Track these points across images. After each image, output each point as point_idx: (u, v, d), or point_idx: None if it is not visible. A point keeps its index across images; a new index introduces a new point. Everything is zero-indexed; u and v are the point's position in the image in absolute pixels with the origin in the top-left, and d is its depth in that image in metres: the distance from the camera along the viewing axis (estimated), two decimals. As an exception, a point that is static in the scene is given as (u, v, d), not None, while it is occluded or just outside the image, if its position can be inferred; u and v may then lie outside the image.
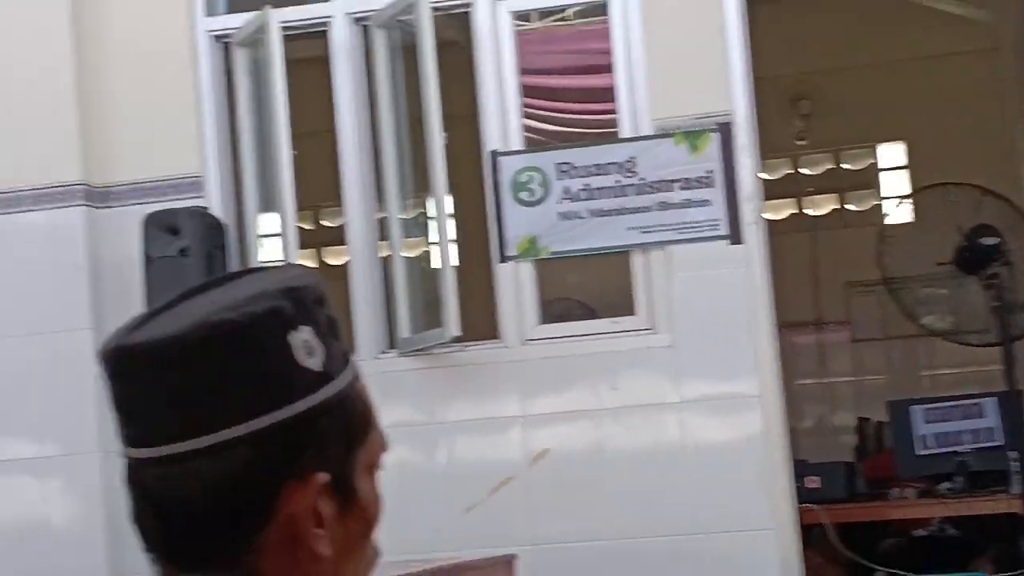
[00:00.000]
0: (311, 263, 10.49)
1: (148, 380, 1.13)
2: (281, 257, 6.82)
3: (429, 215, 6.90)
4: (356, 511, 1.20)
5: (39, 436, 6.68)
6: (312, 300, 1.19)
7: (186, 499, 1.13)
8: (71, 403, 6.61)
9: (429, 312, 6.68)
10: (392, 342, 6.68)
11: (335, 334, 1.20)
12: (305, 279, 1.20)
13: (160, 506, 1.16)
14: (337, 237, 9.68)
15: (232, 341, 1.12)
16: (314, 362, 1.16)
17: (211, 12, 6.98)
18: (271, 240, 6.93)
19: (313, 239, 10.75)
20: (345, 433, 1.19)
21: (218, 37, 6.96)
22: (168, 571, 1.18)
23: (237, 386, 1.11)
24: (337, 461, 1.17)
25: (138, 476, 1.17)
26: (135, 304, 6.44)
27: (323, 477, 1.15)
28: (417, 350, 6.59)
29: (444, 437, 6.48)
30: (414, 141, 6.71)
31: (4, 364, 6.69)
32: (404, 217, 6.82)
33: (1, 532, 6.64)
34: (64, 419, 6.64)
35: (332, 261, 10.79)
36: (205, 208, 6.71)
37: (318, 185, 7.70)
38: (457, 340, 6.45)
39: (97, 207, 6.79)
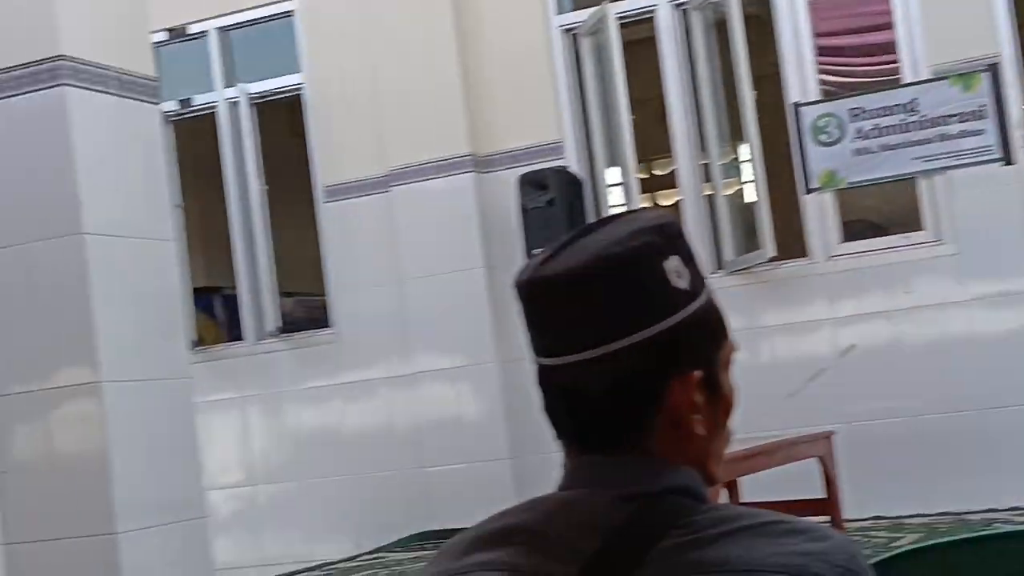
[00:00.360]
0: (648, 204, 10.46)
1: (556, 303, 1.15)
2: (623, 202, 6.84)
3: (742, 159, 6.79)
4: (720, 401, 1.19)
5: (451, 351, 6.92)
6: (675, 234, 1.18)
7: (591, 395, 1.14)
8: (473, 325, 6.83)
9: (747, 238, 6.59)
10: (719, 264, 6.62)
11: (695, 260, 1.19)
12: (668, 218, 1.19)
13: (569, 401, 1.17)
14: (666, 183, 9.65)
15: (620, 270, 1.12)
16: (683, 283, 1.15)
17: (561, 10, 7.03)
18: (615, 189, 6.95)
19: (647, 185, 10.72)
20: (710, 338, 1.18)
21: (567, 30, 7.00)
22: (574, 451, 1.19)
23: (627, 305, 1.12)
24: (706, 361, 1.16)
25: (550, 378, 1.18)
26: (515, 246, 6.59)
27: (698, 374, 1.14)
28: (740, 269, 6.51)
29: (766, 339, 6.39)
30: (728, 99, 6.62)
31: (420, 299, 6.95)
32: (722, 162, 6.73)
33: (426, 425, 6.93)
34: (468, 338, 6.86)
35: (663, 202, 10.75)
36: (565, 167, 6.78)
37: (650, 142, 7.68)
38: (772, 259, 6.35)
39: (482, 172, 6.96)
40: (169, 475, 4.62)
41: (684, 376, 1.14)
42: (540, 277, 1.16)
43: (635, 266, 1.14)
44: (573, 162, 6.85)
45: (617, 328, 1.13)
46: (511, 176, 6.73)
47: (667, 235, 1.17)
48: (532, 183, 6.57)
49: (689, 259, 1.18)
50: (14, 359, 4.53)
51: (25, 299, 4.49)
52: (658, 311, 1.13)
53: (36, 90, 4.40)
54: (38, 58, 4.40)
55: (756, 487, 4.71)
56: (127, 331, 4.53)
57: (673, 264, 1.16)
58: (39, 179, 4.45)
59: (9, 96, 4.44)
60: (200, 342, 7.57)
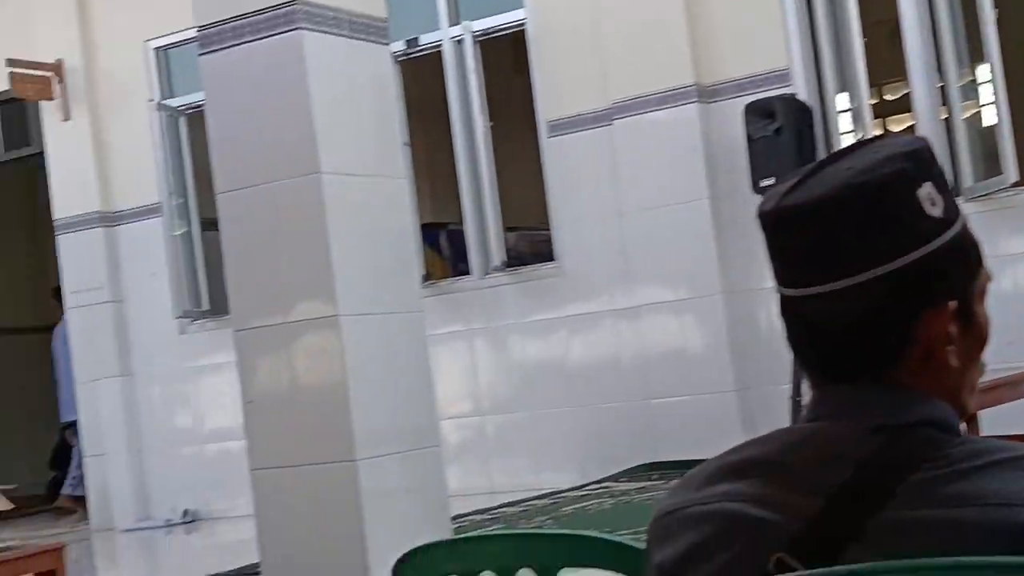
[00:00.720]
0: (878, 131, 10.12)
1: (802, 233, 1.13)
2: (853, 128, 6.64)
3: (980, 80, 6.48)
4: (974, 332, 1.16)
5: (675, 284, 6.90)
6: (928, 160, 1.15)
7: (838, 327, 1.13)
8: (698, 257, 6.78)
9: (987, 163, 6.30)
10: (957, 190, 6.35)
11: (946, 186, 1.16)
12: (919, 143, 1.16)
13: (814, 332, 1.15)
14: (898, 107, 9.29)
15: (871, 199, 1.10)
16: (936, 211, 1.12)
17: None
18: (845, 115, 6.75)
19: (878, 111, 10.36)
20: (964, 267, 1.15)
21: (793, -49, 6.80)
22: (819, 383, 1.18)
23: (877, 235, 1.10)
24: (960, 291, 1.13)
25: (793, 309, 1.17)
26: (741, 176, 6.48)
27: (952, 305, 1.12)
28: (979, 196, 6.24)
29: (1009, 267, 6.12)
30: (966, 18, 6.31)
31: (643, 231, 6.94)
32: (960, 84, 6.44)
33: (651, 357, 6.95)
34: (693, 270, 6.82)
35: (895, 128, 10.37)
36: (793, 94, 6.62)
37: (881, 65, 7.41)
38: (1015, 184, 6.06)
39: (707, 102, 6.86)
40: (405, 405, 4.78)
41: (938, 307, 1.12)
42: (785, 207, 1.15)
43: (887, 194, 1.11)
44: (801, 89, 6.68)
45: (868, 259, 1.11)
46: (737, 105, 6.61)
47: (920, 161, 1.14)
48: (759, 112, 6.44)
49: (942, 185, 1.15)
50: (257, 294, 4.76)
51: (267, 237, 4.70)
52: (911, 240, 1.11)
53: (274, 35, 4.57)
54: (275, 3, 4.56)
55: (997, 420, 4.54)
56: (363, 266, 4.69)
57: (926, 191, 1.13)
58: (279, 121, 4.63)
59: (249, 41, 4.62)
60: (428, 277, 7.77)
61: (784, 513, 1.07)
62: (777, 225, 1.16)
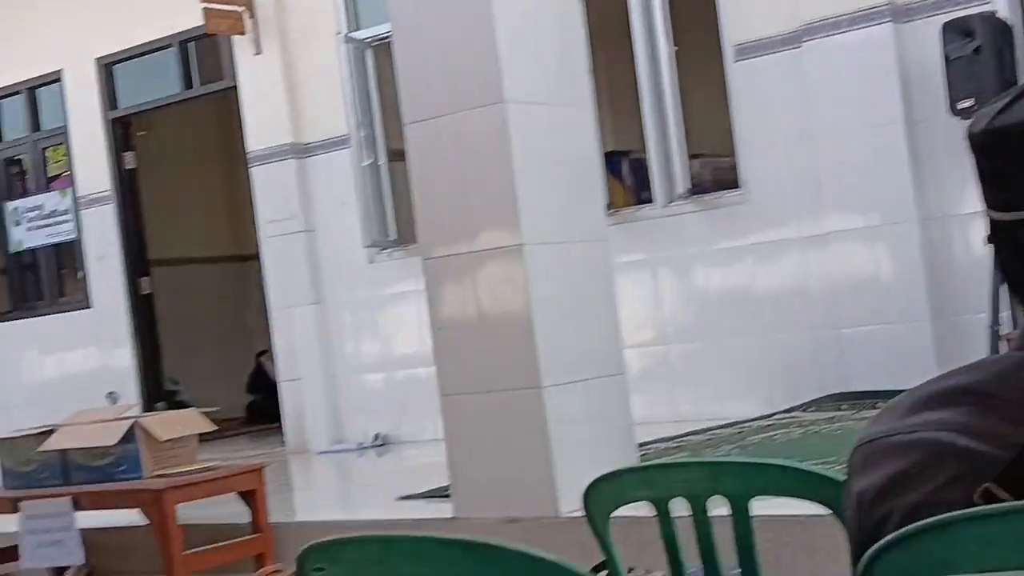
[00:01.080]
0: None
1: (1014, 155, 1.10)
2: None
3: None
4: None
5: (866, 210, 6.72)
6: None
7: None
8: (891, 182, 6.58)
9: None
10: None
11: None
12: None
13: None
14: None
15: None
16: None
17: None
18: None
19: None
20: None
21: None
22: (1029, 309, 1.15)
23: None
24: None
25: (1004, 234, 1.13)
26: (938, 98, 6.25)
27: None
28: None
29: None
30: None
31: (833, 157, 6.76)
32: None
33: (840, 286, 6.80)
34: (885, 196, 6.62)
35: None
36: (993, 12, 6.31)
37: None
38: None
39: (901, 22, 6.59)
40: (589, 333, 4.81)
41: None
42: (997, 128, 1.11)
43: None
44: (1002, 6, 6.36)
45: None
46: (933, 24, 6.34)
47: None
48: (957, 31, 6.18)
49: None
50: (444, 224, 4.84)
51: (453, 167, 4.77)
52: None
53: (459, -35, 4.60)
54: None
55: None
56: (547, 195, 4.71)
57: None
58: (464, 51, 4.67)
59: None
60: (610, 205, 7.74)
61: (992, 443, 1.05)
62: (988, 147, 1.13)
